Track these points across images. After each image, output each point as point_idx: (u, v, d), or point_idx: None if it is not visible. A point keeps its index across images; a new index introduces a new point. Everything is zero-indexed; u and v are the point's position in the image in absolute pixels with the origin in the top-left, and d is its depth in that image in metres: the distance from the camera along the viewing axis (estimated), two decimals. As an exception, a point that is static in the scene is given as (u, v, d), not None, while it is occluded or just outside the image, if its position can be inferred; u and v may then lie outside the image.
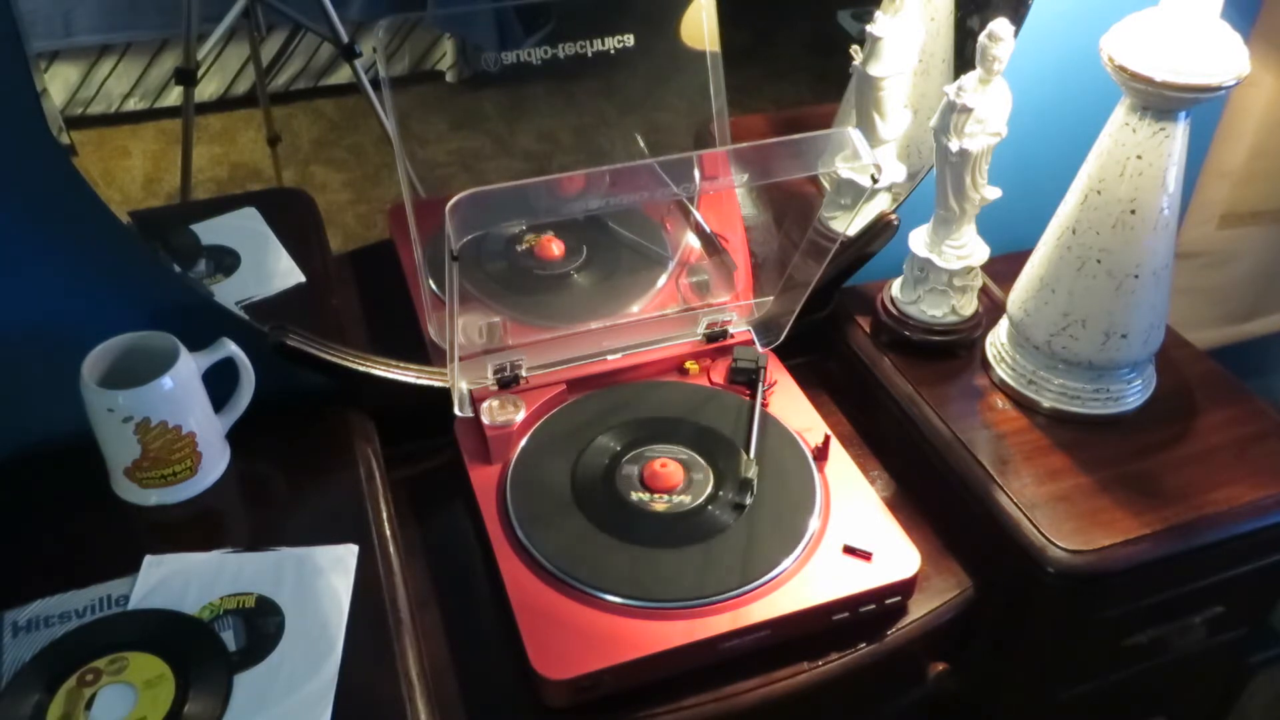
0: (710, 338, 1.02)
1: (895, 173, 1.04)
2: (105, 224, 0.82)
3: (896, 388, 1.00)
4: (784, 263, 0.99)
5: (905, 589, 0.84)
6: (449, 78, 0.94)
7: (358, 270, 1.00)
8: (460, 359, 0.89)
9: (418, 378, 0.96)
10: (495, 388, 0.96)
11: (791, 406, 0.98)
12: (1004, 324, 1.01)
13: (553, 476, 0.90)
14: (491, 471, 0.91)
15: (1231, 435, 0.94)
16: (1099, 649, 0.92)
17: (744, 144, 0.79)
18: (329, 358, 0.91)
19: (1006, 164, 0.98)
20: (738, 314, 1.03)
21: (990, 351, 1.01)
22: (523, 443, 0.93)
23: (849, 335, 1.07)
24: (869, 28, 0.94)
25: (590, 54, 0.90)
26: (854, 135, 0.79)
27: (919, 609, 0.86)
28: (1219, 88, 0.80)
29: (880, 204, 1.05)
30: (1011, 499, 0.87)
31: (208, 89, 0.86)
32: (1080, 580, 0.83)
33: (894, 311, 1.03)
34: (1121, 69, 0.81)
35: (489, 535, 0.85)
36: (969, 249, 0.98)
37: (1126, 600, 0.88)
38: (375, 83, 0.87)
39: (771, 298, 1.02)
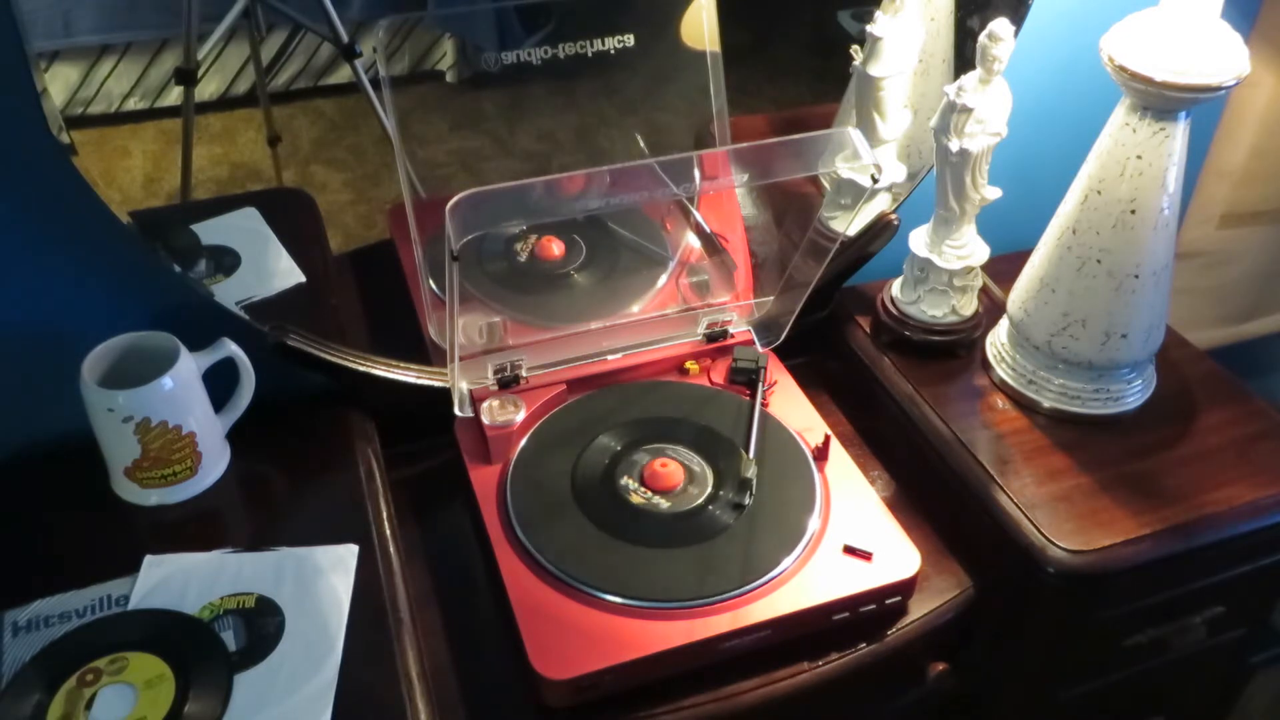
0: (710, 338, 1.02)
1: (895, 173, 1.04)
2: (105, 224, 0.82)
3: (896, 388, 1.00)
4: (784, 263, 0.99)
5: (905, 589, 0.84)
6: (449, 78, 0.94)
7: (358, 270, 1.00)
8: (460, 359, 0.89)
9: (418, 378, 0.96)
10: (495, 388, 0.96)
11: (791, 406, 0.98)
12: (1004, 324, 1.01)
13: (553, 476, 0.90)
14: (491, 471, 0.91)
15: (1231, 435, 0.94)
16: (1099, 649, 0.92)
17: (744, 144, 0.79)
18: (329, 358, 0.91)
19: (1006, 164, 0.98)
20: (738, 314, 1.03)
21: (990, 351, 1.01)
22: (523, 443, 0.93)
23: (849, 335, 1.07)
24: (869, 28, 0.94)
25: (590, 54, 0.89)
26: (854, 135, 0.79)
27: (919, 609, 0.86)
28: (1219, 88, 0.80)
29: (880, 204, 1.05)
30: (1011, 499, 0.87)
31: (208, 89, 0.86)
32: (1080, 580, 0.83)
33: (894, 311, 1.03)
34: (1121, 69, 0.81)
35: (489, 535, 0.85)
36: (969, 249, 0.98)
37: (1126, 600, 0.88)
38: (375, 83, 0.87)
39: (771, 298, 1.02)
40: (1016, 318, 0.97)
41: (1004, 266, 1.04)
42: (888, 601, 0.84)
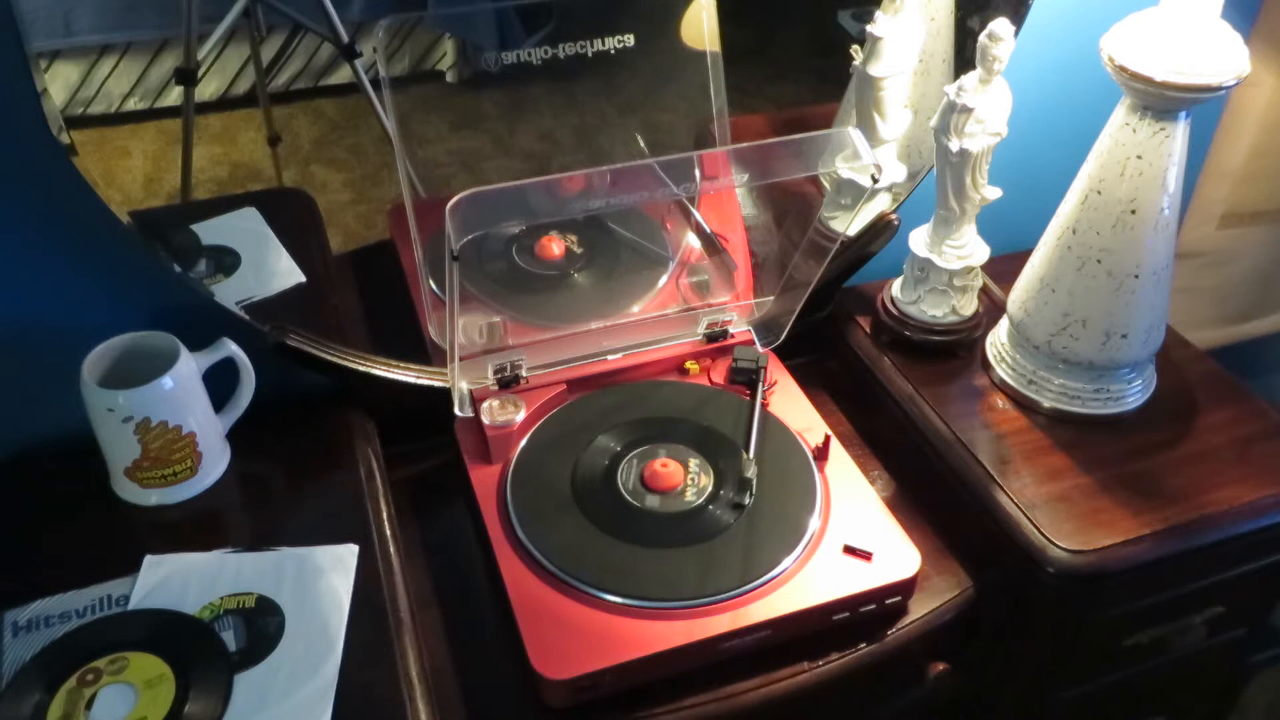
0: (710, 338, 1.02)
1: (895, 173, 1.04)
2: (105, 224, 0.82)
3: (897, 388, 1.00)
4: (784, 263, 0.99)
5: (905, 589, 0.84)
6: (449, 78, 0.94)
7: (358, 270, 1.00)
8: (460, 359, 0.89)
9: (418, 378, 0.96)
10: (495, 388, 0.96)
11: (791, 406, 0.98)
12: (1004, 324, 1.01)
13: (553, 476, 0.90)
14: (492, 471, 0.91)
15: (1231, 435, 0.94)
16: (1099, 649, 0.92)
17: (744, 144, 0.79)
18: (329, 358, 0.91)
19: (1006, 164, 0.98)
20: (738, 314, 1.03)
21: (990, 351, 1.01)
22: (523, 443, 0.93)
23: (849, 335, 1.07)
24: (869, 28, 0.94)
25: (590, 54, 0.89)
26: (854, 135, 0.79)
27: (919, 609, 0.86)
28: (1219, 88, 0.80)
29: (880, 204, 1.05)
30: (1011, 499, 0.87)
31: (208, 89, 0.86)
32: (1080, 580, 0.83)
33: (894, 311, 1.03)
34: (1121, 69, 0.81)
35: (489, 535, 0.85)
36: (969, 249, 0.98)
37: (1126, 600, 0.88)
38: (375, 83, 0.87)
39: (772, 298, 1.02)
40: (1016, 318, 0.97)
41: (1004, 266, 1.04)
42: (888, 601, 0.84)
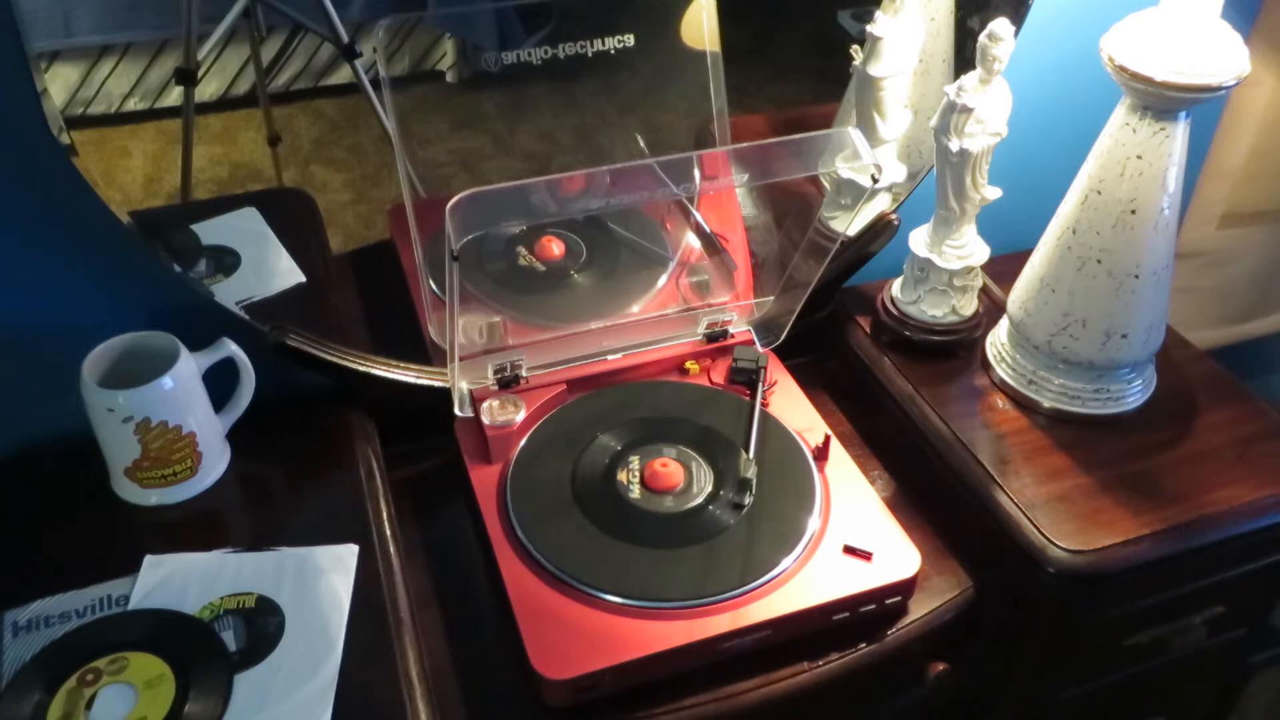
0: (710, 338, 1.02)
1: (895, 173, 1.04)
2: (105, 224, 0.82)
3: (896, 388, 1.00)
4: (784, 263, 0.99)
5: (905, 589, 0.84)
6: (449, 78, 0.94)
7: (358, 270, 1.00)
8: (460, 359, 0.89)
9: (418, 378, 0.96)
10: (495, 388, 0.96)
11: (791, 406, 0.98)
12: (1004, 324, 1.01)
13: (553, 476, 0.90)
14: (492, 471, 0.91)
15: (1231, 435, 0.94)
16: (1099, 649, 0.92)
17: (744, 144, 0.79)
18: (329, 358, 0.91)
19: (1006, 164, 0.98)
20: (738, 314, 1.03)
21: (990, 351, 1.01)
22: (523, 443, 0.93)
23: (849, 335, 1.07)
24: (869, 28, 0.94)
25: (590, 54, 0.90)
26: (854, 135, 0.79)
27: (919, 609, 0.86)
28: (1219, 88, 0.80)
29: (880, 204, 1.05)
30: (1011, 499, 0.87)
31: (208, 89, 0.86)
32: (1080, 580, 0.83)
33: (894, 311, 1.03)
34: (1121, 69, 0.81)
35: (489, 535, 0.85)
36: (969, 249, 0.98)
37: (1126, 600, 0.88)
38: (375, 83, 0.87)
39: (772, 298, 1.02)
40: (1016, 318, 0.97)
41: (1004, 266, 1.04)
42: (888, 601, 0.84)
